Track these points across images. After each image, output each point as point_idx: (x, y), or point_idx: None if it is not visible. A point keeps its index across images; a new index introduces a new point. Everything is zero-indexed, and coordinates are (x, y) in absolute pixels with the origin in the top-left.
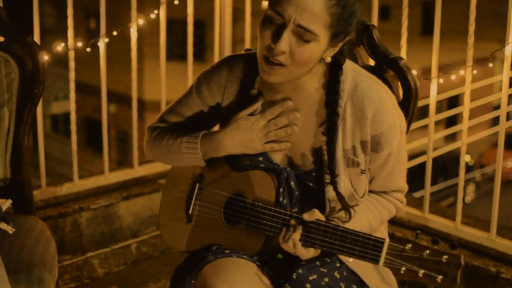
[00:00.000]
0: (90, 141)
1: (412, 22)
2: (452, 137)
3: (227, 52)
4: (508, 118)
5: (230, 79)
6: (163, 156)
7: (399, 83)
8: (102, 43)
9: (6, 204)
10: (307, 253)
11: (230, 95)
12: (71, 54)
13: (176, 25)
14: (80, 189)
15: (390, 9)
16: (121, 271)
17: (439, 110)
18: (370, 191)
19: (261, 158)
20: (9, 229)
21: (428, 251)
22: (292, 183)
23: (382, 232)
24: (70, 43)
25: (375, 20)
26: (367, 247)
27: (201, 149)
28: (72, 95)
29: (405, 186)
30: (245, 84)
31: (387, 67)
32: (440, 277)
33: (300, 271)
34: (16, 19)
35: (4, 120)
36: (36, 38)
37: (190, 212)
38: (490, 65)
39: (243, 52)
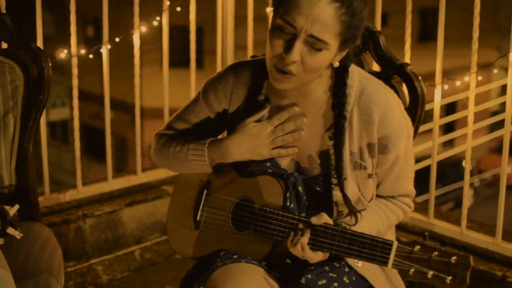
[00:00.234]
0: (88, 148)
1: (410, 28)
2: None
3: (230, 58)
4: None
5: (237, 86)
6: (170, 163)
7: (404, 89)
8: (105, 50)
9: (14, 209)
10: (316, 256)
11: (237, 101)
12: (74, 61)
13: (173, 31)
14: (83, 195)
15: (387, 15)
16: (125, 277)
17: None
18: (377, 196)
19: (268, 164)
20: (17, 234)
21: (436, 252)
22: (300, 188)
23: (389, 237)
24: (73, 49)
25: (378, 27)
26: (375, 249)
27: (208, 156)
28: (75, 102)
29: (412, 191)
30: (253, 90)
31: (393, 73)
32: (449, 278)
33: (309, 276)
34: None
35: (9, 127)
36: (39, 44)
37: (198, 218)
38: (495, 71)
39: (249, 58)
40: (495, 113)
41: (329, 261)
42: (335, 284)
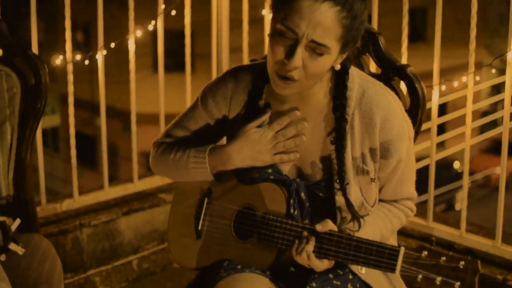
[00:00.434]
0: (79, 155)
1: (399, 29)
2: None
3: (225, 61)
4: (496, 125)
5: (236, 91)
6: (170, 172)
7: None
8: (100, 56)
9: (15, 224)
10: (322, 264)
11: (237, 106)
12: (70, 67)
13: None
14: (80, 205)
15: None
16: None
17: (428, 117)
18: (380, 200)
19: (270, 170)
20: (19, 249)
21: (444, 258)
22: (303, 194)
23: (392, 242)
24: (68, 56)
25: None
26: (382, 255)
27: (209, 163)
28: (71, 109)
29: (414, 194)
30: (253, 95)
31: (394, 75)
32: (458, 283)
33: (314, 284)
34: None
35: (6, 136)
36: (34, 51)
37: (199, 228)
38: (493, 71)
39: (248, 62)
40: (485, 114)
41: (333, 269)
42: None
